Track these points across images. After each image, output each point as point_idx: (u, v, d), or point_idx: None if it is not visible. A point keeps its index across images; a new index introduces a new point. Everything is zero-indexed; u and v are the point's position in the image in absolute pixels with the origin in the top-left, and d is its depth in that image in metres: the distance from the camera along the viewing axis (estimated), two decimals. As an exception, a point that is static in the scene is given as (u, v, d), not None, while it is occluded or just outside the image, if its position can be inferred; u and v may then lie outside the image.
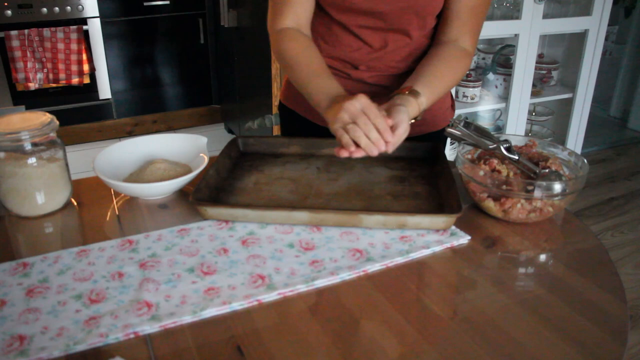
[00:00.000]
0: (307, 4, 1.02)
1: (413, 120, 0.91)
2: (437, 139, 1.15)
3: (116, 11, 3.08)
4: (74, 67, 2.98)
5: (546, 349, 0.62)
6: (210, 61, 3.48)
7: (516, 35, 2.41)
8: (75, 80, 3.02)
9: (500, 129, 2.72)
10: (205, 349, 0.62)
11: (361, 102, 0.82)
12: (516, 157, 0.89)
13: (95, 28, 3.02)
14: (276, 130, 2.73)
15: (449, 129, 0.93)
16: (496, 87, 2.68)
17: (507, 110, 2.58)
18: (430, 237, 0.83)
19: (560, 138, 2.83)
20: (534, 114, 2.87)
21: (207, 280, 0.73)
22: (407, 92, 0.91)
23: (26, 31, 2.81)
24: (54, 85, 3.00)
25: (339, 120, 0.82)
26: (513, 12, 2.45)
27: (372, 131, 0.80)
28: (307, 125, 1.18)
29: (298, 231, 0.84)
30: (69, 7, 2.92)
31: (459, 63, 1.02)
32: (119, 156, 1.01)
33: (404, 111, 0.86)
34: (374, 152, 0.81)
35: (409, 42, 1.05)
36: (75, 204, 0.95)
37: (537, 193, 0.84)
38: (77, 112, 3.17)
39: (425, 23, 1.03)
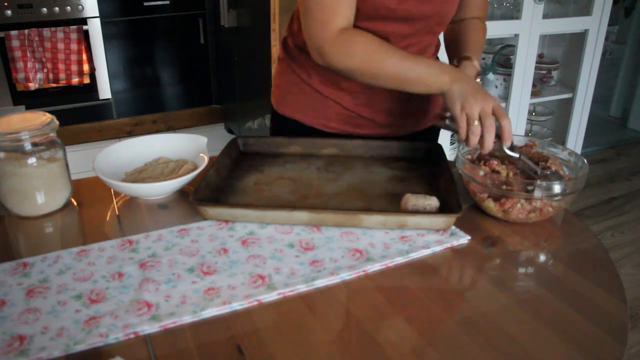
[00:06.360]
0: (354, 8, 0.95)
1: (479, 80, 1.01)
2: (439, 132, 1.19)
3: (116, 11, 3.08)
4: (74, 67, 2.97)
5: (546, 349, 0.62)
6: (210, 61, 3.48)
7: (516, 35, 2.41)
8: (75, 80, 3.01)
9: (500, 128, 2.72)
10: (205, 349, 0.62)
11: (494, 105, 0.86)
12: (517, 155, 0.89)
13: (95, 28, 3.02)
14: (276, 130, 2.72)
15: (449, 123, 0.95)
16: (496, 87, 2.68)
17: (507, 110, 2.58)
18: (430, 237, 0.83)
19: (560, 138, 2.82)
20: (534, 114, 2.87)
21: (207, 280, 0.73)
22: (464, 60, 1.02)
23: (26, 31, 2.81)
24: (54, 85, 3.00)
25: (469, 108, 0.86)
26: (513, 12, 2.45)
27: (491, 136, 0.86)
28: (303, 129, 1.15)
29: (298, 231, 0.84)
30: (69, 7, 2.91)
31: (479, 27, 1.13)
32: (119, 156, 1.01)
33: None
34: (484, 151, 0.88)
35: (432, 41, 1.10)
36: (75, 204, 0.95)
37: (537, 193, 0.84)
38: (77, 112, 3.16)
39: (445, 21, 1.07)
